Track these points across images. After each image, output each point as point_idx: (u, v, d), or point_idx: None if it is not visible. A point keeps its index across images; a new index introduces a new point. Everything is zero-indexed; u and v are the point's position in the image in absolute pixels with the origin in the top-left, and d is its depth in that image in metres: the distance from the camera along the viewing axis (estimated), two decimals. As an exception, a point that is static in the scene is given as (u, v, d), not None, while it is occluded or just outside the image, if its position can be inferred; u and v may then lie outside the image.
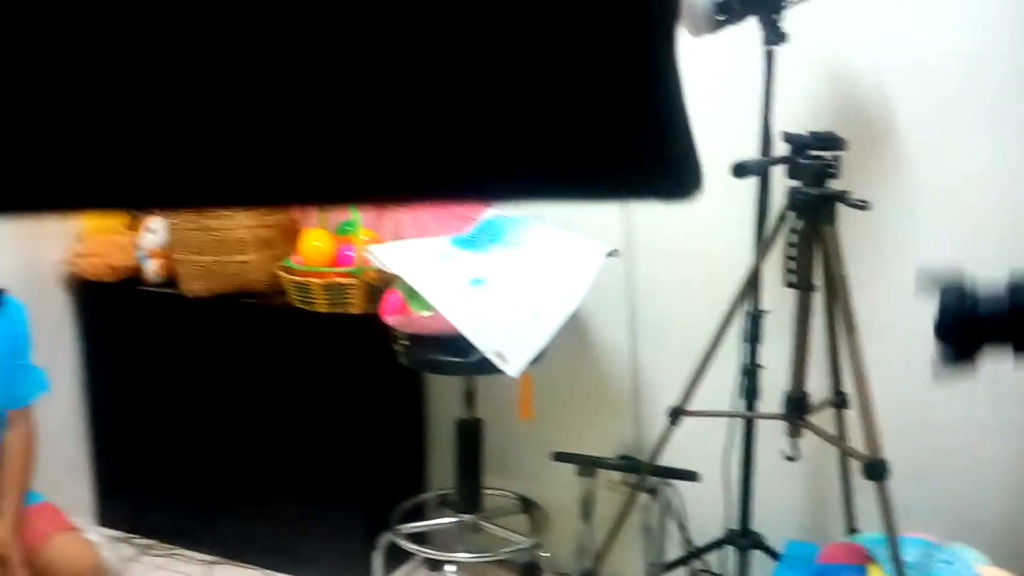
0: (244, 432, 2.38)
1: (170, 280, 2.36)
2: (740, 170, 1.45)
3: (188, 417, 2.44)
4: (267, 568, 2.41)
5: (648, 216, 2.11)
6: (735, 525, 1.99)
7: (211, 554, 2.47)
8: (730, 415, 1.87)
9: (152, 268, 2.37)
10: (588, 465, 1.97)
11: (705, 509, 2.10)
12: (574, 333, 2.22)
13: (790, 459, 1.77)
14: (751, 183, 1.84)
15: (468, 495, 2.24)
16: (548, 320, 1.93)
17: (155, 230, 2.37)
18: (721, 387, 1.92)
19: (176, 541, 2.51)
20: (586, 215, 2.14)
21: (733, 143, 1.75)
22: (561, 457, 2.02)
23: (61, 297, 2.45)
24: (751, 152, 1.71)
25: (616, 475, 2.21)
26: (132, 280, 2.42)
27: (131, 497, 2.55)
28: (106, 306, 2.47)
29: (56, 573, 1.60)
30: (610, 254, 2.03)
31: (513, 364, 1.92)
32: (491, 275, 2.01)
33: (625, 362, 2.23)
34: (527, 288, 1.97)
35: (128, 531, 2.54)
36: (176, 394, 2.44)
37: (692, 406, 1.74)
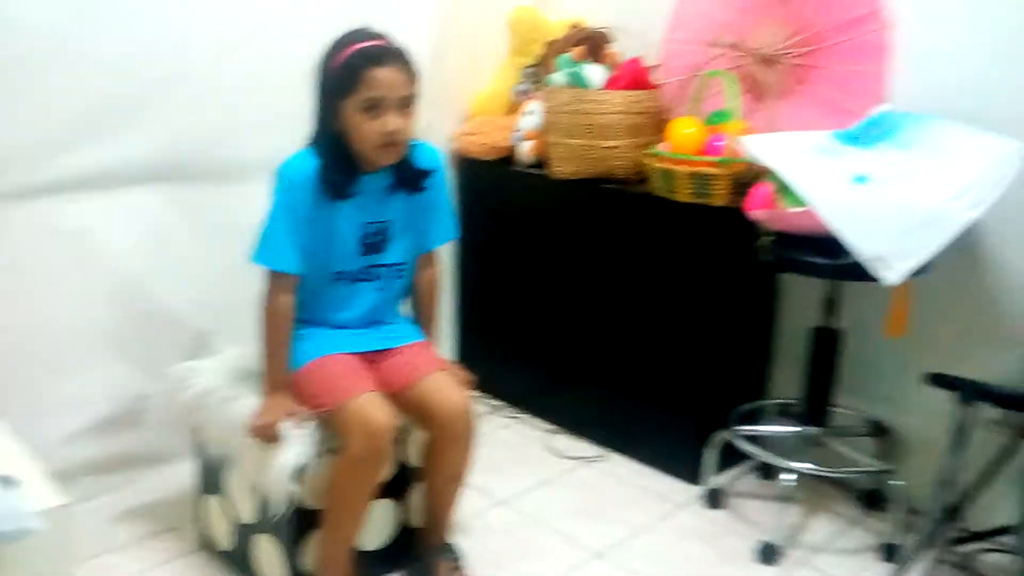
0: (594, 312, 2.48)
1: (541, 162, 2.49)
2: None
3: (543, 292, 2.60)
4: (601, 444, 2.53)
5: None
6: None
7: (551, 423, 2.65)
8: None
9: (526, 149, 2.51)
10: (974, 393, 1.74)
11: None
12: (968, 245, 1.97)
13: None
14: None
15: (815, 407, 2.14)
16: (943, 227, 1.73)
17: (533, 112, 2.49)
18: None
19: (522, 406, 2.72)
20: (1006, 111, 1.86)
21: None
22: (939, 380, 1.82)
23: (448, 170, 2.69)
24: None
25: (992, 413, 1.96)
26: (507, 159, 2.59)
27: (487, 359, 2.77)
28: (483, 181, 2.67)
29: (432, 406, 1.76)
30: (1033, 157, 1.76)
31: (895, 271, 1.76)
32: (878, 173, 1.84)
33: (1026, 286, 1.95)
34: (920, 190, 1.78)
35: (481, 390, 2.79)
36: (536, 270, 2.60)
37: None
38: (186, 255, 2.20)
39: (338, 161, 1.71)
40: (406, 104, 1.68)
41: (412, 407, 1.79)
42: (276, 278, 1.75)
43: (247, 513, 1.85)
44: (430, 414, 1.77)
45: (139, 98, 2.04)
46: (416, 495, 1.93)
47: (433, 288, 1.97)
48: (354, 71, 1.64)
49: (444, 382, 1.79)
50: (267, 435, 1.70)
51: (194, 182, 2.19)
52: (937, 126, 1.88)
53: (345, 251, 1.79)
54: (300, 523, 1.74)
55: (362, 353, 1.82)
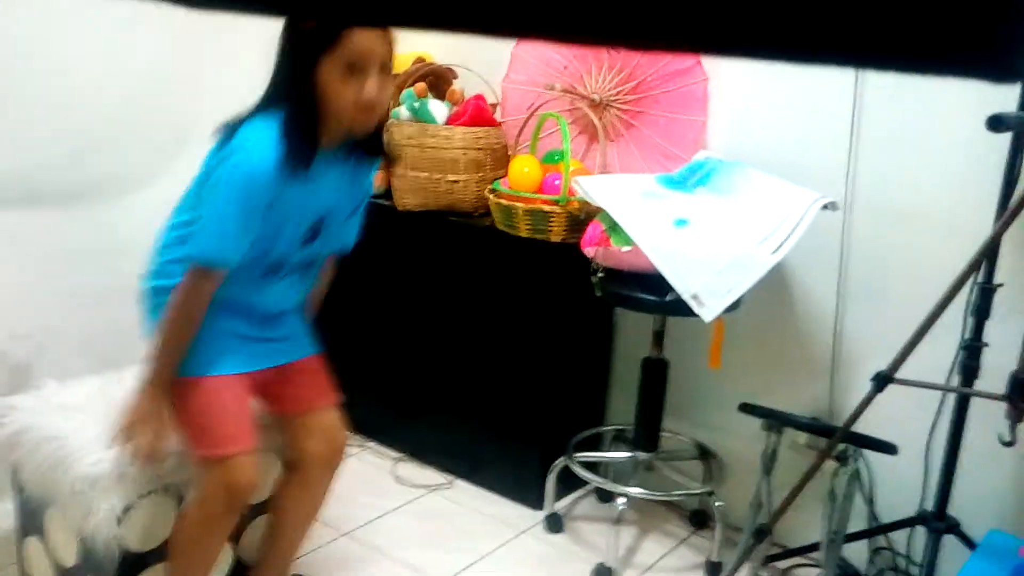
0: (440, 341, 2.51)
1: (387, 192, 2.51)
2: (996, 124, 1.32)
3: (389, 321, 2.61)
4: (446, 471, 2.56)
5: (875, 170, 1.98)
6: (930, 506, 1.88)
7: (398, 451, 2.66)
8: (946, 389, 1.74)
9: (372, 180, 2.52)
10: (777, 420, 1.91)
11: (896, 486, 1.99)
12: (776, 285, 2.14)
13: (1008, 444, 1.63)
14: (1002, 142, 1.67)
15: (646, 434, 2.25)
16: (751, 268, 1.87)
17: (378, 144, 2.51)
18: (934, 361, 1.79)
19: (369, 434, 2.72)
20: (807, 164, 2.04)
21: (987, 94, 1.59)
22: (748, 408, 1.98)
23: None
24: (1009, 106, 1.55)
25: (803, 437, 2.14)
26: (353, 189, 2.59)
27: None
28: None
29: (311, 446, 1.72)
30: (827, 206, 1.93)
31: (709, 308, 1.88)
32: (696, 217, 1.97)
33: (828, 322, 2.13)
34: (732, 233, 1.92)
35: (329, 419, 2.77)
36: (381, 299, 2.62)
37: (902, 376, 1.64)
38: (4, 284, 2.08)
39: (305, 128, 1.50)
40: (386, 71, 1.52)
41: (289, 435, 1.73)
42: (206, 271, 1.51)
43: (70, 557, 1.76)
44: (305, 453, 1.71)
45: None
46: (254, 530, 1.89)
47: (321, 295, 1.94)
48: (335, 28, 1.45)
49: (329, 422, 1.74)
50: (132, 438, 1.56)
51: (14, 208, 2.07)
52: (748, 174, 2.03)
53: (290, 240, 1.61)
54: (126, 568, 1.68)
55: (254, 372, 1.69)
